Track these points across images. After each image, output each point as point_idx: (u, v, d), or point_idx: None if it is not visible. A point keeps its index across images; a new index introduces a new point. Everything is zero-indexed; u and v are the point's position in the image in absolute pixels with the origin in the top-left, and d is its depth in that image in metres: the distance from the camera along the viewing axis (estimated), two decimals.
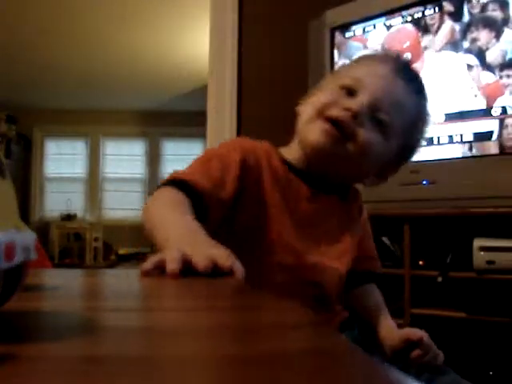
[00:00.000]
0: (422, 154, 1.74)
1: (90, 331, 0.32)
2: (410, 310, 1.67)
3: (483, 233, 1.60)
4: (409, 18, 1.81)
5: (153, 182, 7.78)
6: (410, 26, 1.81)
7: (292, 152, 0.87)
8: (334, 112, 0.79)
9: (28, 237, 0.31)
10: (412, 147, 0.89)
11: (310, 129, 0.82)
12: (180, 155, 7.67)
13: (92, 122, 7.57)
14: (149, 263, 0.57)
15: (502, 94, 1.60)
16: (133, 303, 0.45)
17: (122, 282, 0.60)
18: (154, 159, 7.84)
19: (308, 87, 2.06)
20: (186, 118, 7.14)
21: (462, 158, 1.67)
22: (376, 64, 0.85)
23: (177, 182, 0.75)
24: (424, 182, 1.71)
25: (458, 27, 1.70)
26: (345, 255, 0.88)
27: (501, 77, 1.61)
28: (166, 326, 0.35)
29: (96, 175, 7.78)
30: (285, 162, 0.86)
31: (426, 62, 1.76)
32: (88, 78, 6.15)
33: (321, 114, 0.80)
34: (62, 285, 0.54)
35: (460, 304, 1.60)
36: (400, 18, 1.83)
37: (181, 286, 0.55)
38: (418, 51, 1.78)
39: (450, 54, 1.72)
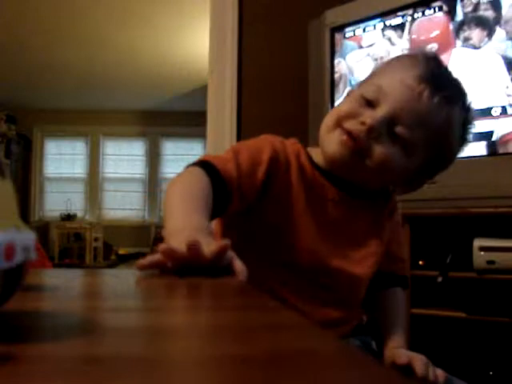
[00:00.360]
0: None
1: (89, 331, 0.32)
2: (410, 309, 1.67)
3: (483, 233, 1.59)
4: (409, 18, 1.81)
5: (153, 182, 7.78)
6: (440, 15, 1.75)
7: (319, 155, 0.85)
8: (350, 125, 0.78)
9: (28, 237, 0.31)
10: (445, 158, 0.85)
11: (329, 138, 0.81)
12: (180, 155, 7.67)
13: (92, 122, 7.57)
14: (145, 260, 0.57)
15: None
16: (133, 303, 0.45)
17: (122, 282, 0.60)
18: (153, 159, 7.84)
19: (308, 87, 2.07)
20: (185, 118, 7.14)
21: (462, 158, 1.67)
22: (403, 69, 0.80)
23: (206, 165, 0.75)
24: None
25: (451, 26, 1.70)
26: (369, 259, 0.85)
27: None
28: (166, 325, 0.35)
29: (96, 175, 7.78)
30: (313, 162, 0.85)
31: (454, 54, 1.72)
32: (88, 78, 6.15)
33: (339, 124, 0.79)
34: (62, 285, 0.54)
35: (460, 304, 1.60)
36: (400, 18, 1.83)
37: (181, 286, 0.55)
38: (447, 41, 1.73)
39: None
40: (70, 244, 7.18)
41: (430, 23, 1.78)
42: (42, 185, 7.77)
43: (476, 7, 1.65)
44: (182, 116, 7.28)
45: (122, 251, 7.35)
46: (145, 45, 5.12)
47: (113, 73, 6.00)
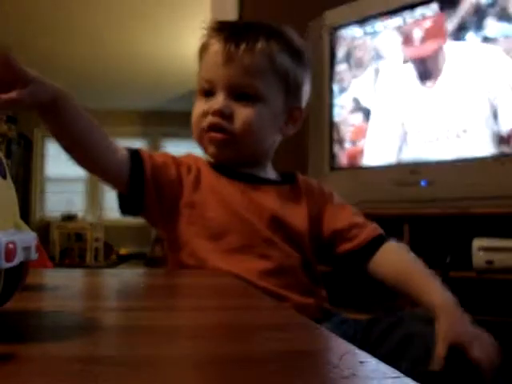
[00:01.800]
0: (422, 154, 1.74)
1: (90, 331, 0.32)
2: (409, 309, 1.67)
3: (483, 233, 1.59)
4: (409, 19, 1.81)
5: None
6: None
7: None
8: (208, 121, 0.84)
9: (29, 237, 0.31)
10: (295, 76, 0.89)
11: (204, 145, 0.87)
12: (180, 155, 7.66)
13: None
14: None
15: None
16: (133, 303, 0.45)
17: (122, 282, 0.60)
18: None
19: None
20: (186, 118, 7.06)
21: (462, 158, 1.67)
22: (212, 45, 0.89)
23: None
24: (423, 183, 1.71)
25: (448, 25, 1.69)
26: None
27: None
28: (166, 325, 0.35)
29: None
30: (214, 166, 0.90)
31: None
32: (88, 78, 6.14)
33: (201, 128, 0.86)
34: (63, 285, 0.54)
35: (459, 304, 1.60)
36: (400, 18, 1.83)
37: (181, 287, 0.55)
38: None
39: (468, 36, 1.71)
40: (70, 244, 7.17)
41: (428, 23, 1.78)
42: (42, 185, 7.76)
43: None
44: (182, 116, 7.25)
45: (122, 251, 7.34)
46: (145, 45, 5.12)
47: (113, 73, 6.00)
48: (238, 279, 0.62)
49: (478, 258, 1.54)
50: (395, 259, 0.85)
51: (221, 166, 0.88)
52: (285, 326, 0.36)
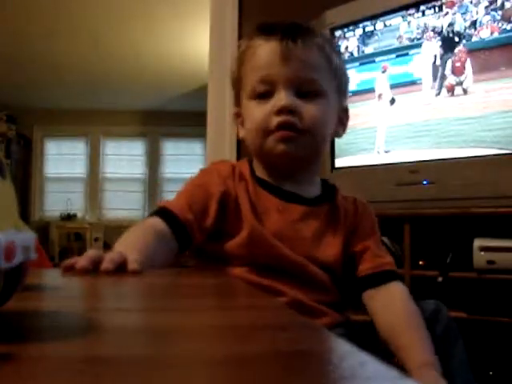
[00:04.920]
0: (422, 153, 1.74)
1: (90, 331, 0.32)
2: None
3: (483, 233, 1.59)
4: (409, 19, 1.81)
5: (153, 182, 7.78)
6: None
7: (260, 170, 0.90)
8: (273, 122, 0.81)
9: (28, 237, 0.31)
10: (342, 74, 0.91)
11: (268, 147, 0.83)
12: (180, 155, 7.66)
13: (92, 121, 7.57)
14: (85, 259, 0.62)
15: None
16: (133, 303, 0.45)
17: (122, 282, 0.60)
18: (154, 159, 7.84)
19: None
20: (186, 118, 7.14)
21: (462, 157, 1.67)
22: (261, 46, 0.85)
23: (164, 213, 0.81)
24: (424, 182, 1.71)
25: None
26: (330, 251, 0.86)
27: None
28: (166, 326, 0.35)
29: (96, 175, 7.77)
30: (256, 178, 0.89)
31: None
32: (88, 78, 6.14)
33: (265, 131, 0.83)
34: (63, 285, 0.54)
35: (460, 304, 1.60)
36: (400, 18, 1.83)
37: (181, 287, 0.55)
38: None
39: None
40: (70, 244, 7.17)
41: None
42: (42, 185, 7.76)
43: None
44: (182, 116, 7.27)
45: None
46: (145, 45, 5.12)
47: (113, 73, 6.00)
48: (238, 279, 0.62)
49: (479, 258, 1.54)
50: (391, 311, 0.81)
51: (262, 180, 0.87)
52: (285, 325, 0.36)
